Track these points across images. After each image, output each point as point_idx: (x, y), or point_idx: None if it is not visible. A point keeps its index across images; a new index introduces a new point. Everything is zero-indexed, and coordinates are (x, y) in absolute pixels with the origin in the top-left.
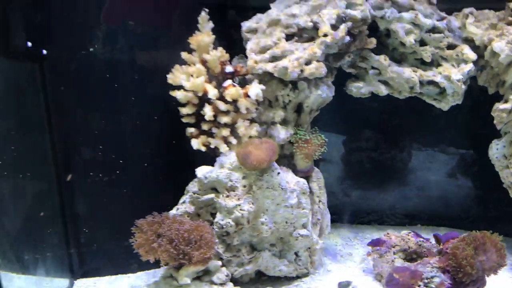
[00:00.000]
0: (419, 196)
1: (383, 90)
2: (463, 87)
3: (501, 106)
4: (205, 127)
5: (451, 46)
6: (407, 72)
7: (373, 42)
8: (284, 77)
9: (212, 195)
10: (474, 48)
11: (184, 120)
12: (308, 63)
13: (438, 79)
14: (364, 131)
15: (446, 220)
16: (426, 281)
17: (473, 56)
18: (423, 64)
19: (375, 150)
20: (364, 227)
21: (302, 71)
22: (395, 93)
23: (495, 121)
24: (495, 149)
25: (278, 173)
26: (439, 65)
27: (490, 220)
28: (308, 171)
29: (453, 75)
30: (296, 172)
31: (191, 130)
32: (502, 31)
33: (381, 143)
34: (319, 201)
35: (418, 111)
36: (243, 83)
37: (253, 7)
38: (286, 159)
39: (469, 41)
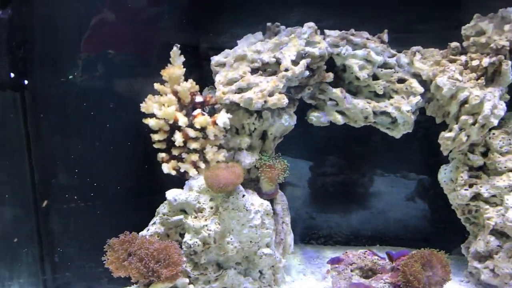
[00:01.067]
0: (379, 219)
1: (340, 120)
2: (413, 117)
3: (446, 134)
4: (175, 152)
5: (401, 80)
6: (362, 103)
7: (330, 76)
8: (250, 107)
9: (181, 216)
10: (422, 82)
11: (155, 146)
12: (271, 94)
13: (389, 110)
14: (329, 157)
15: (403, 240)
16: None
17: (420, 89)
18: (376, 96)
19: (338, 175)
20: (326, 247)
21: (265, 102)
22: (351, 122)
23: (441, 148)
24: (443, 174)
25: (243, 195)
26: (390, 97)
27: (442, 238)
28: (272, 193)
29: (403, 106)
30: (261, 194)
31: (162, 155)
32: (445, 68)
33: (345, 168)
34: (283, 222)
35: (381, 139)
36: (212, 112)
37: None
38: (252, 182)
39: (416, 76)
